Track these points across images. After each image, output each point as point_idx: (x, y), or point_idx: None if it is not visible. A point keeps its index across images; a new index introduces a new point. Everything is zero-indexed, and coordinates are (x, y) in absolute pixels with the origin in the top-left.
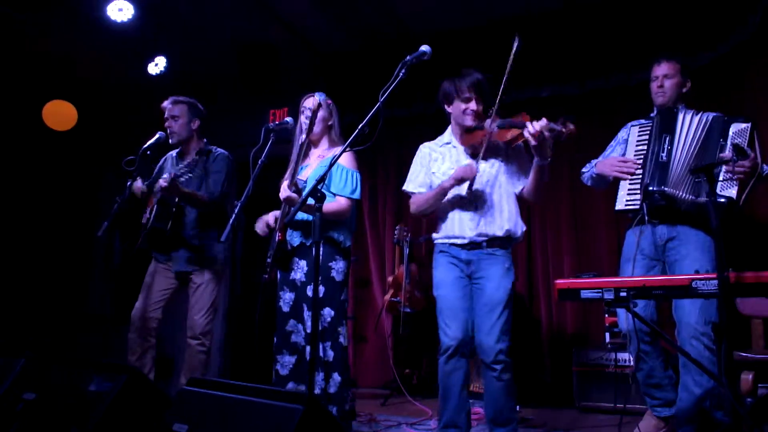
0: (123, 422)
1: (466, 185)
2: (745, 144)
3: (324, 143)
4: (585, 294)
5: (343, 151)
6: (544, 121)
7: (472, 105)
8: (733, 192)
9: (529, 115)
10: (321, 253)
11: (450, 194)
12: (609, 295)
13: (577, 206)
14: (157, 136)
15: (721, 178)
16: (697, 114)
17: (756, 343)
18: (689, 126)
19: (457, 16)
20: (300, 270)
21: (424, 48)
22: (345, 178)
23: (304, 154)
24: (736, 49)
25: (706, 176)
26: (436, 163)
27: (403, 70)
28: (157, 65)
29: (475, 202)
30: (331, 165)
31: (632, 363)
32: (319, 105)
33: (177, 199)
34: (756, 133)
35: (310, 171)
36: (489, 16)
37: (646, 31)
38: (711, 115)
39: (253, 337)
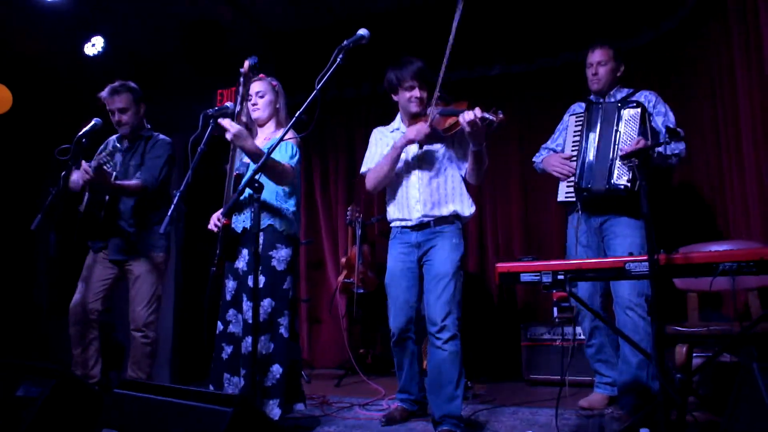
0: (54, 428)
1: (416, 146)
2: (638, 127)
3: (271, 126)
4: (524, 277)
5: (281, 139)
6: (477, 111)
7: (416, 92)
8: (625, 180)
9: (467, 103)
10: (261, 241)
11: (401, 162)
12: (547, 279)
13: (528, 182)
14: (93, 122)
15: (616, 171)
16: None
17: (691, 315)
18: (602, 119)
19: None
20: (243, 258)
21: (362, 32)
22: (281, 147)
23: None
24: (677, 29)
25: (639, 160)
26: (387, 148)
27: (340, 55)
28: (95, 45)
29: (421, 184)
30: (270, 152)
31: (580, 337)
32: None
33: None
34: (648, 117)
35: None
36: None
37: (592, 8)
38: (609, 102)
39: (201, 329)
